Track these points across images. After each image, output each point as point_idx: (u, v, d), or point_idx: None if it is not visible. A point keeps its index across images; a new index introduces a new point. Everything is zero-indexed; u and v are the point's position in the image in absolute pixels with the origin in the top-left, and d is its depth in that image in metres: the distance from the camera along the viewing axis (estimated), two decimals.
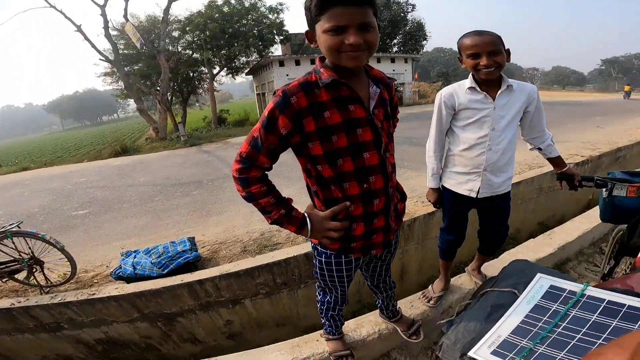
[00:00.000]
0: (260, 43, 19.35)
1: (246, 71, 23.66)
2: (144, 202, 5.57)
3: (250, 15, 19.34)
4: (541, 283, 0.79)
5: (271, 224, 1.04)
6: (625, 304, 0.67)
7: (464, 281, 2.06)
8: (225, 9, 19.02)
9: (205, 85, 22.47)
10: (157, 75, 17.81)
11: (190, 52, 20.55)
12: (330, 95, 0.98)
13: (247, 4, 19.19)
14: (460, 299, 1.93)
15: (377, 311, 1.78)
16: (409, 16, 26.69)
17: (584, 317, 0.68)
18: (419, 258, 3.20)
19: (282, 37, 20.47)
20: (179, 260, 2.96)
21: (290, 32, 20.83)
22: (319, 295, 1.40)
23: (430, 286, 1.99)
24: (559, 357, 0.61)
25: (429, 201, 1.77)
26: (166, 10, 15.63)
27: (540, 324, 0.70)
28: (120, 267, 2.97)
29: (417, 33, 26.62)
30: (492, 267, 2.12)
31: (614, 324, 0.64)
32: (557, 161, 1.68)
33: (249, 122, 21.79)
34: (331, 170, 1.02)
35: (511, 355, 0.64)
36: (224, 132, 14.97)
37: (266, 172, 1.02)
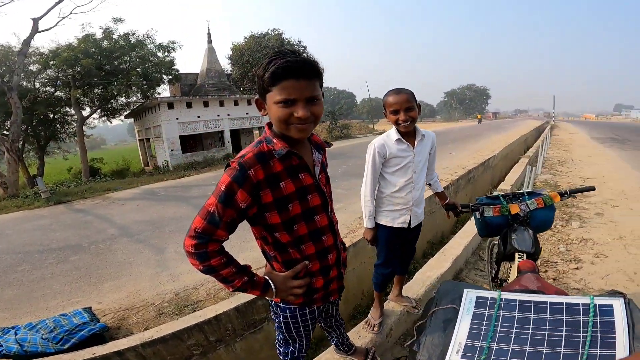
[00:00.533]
0: (145, 82, 17.65)
1: (126, 113, 21.36)
2: (3, 273, 4.50)
3: (134, 52, 17.67)
4: (470, 296, 1.02)
5: (233, 291, 1.06)
6: (532, 300, 0.94)
7: (393, 306, 2.32)
8: (105, 43, 16.97)
9: (70, 129, 19.18)
10: (4, 116, 14.66)
11: (52, 89, 17.48)
12: (283, 165, 1.03)
13: (133, 40, 17.50)
14: (396, 320, 2.20)
15: (332, 347, 1.85)
16: None
17: (510, 315, 0.91)
18: (344, 291, 3.41)
19: (170, 77, 19.12)
20: (82, 333, 2.60)
21: (182, 71, 19.73)
22: (281, 347, 1.40)
23: (369, 315, 2.21)
24: (509, 348, 0.81)
25: (366, 239, 2.02)
26: (26, 42, 13.13)
27: (484, 327, 0.89)
28: (1, 346, 2.52)
29: None
30: (411, 290, 2.46)
31: (531, 316, 0.89)
32: (441, 195, 2.18)
33: (131, 173, 19.33)
34: (289, 236, 1.08)
35: (477, 355, 0.81)
36: (101, 186, 12.52)
37: (222, 245, 1.02)
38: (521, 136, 16.38)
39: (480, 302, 1.00)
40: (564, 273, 3.10)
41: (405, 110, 1.75)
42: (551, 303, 0.94)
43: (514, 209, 1.88)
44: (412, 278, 2.68)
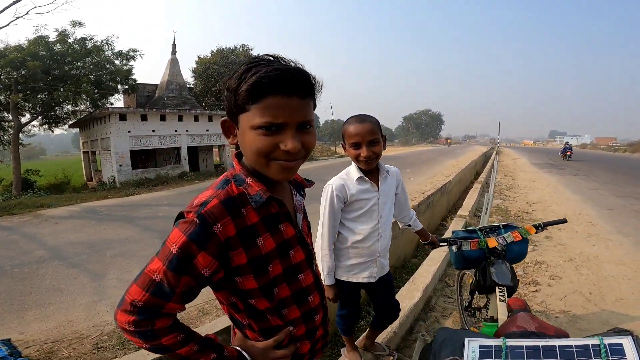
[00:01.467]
0: (96, 91, 16.42)
1: (71, 122, 19.68)
2: None
3: (89, 58, 16.44)
4: (472, 345, 0.90)
5: None
6: (540, 345, 0.85)
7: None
8: (58, 47, 15.67)
9: (5, 137, 17.23)
10: None
11: None
12: (259, 215, 0.77)
13: (89, 45, 16.30)
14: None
15: None
16: None
17: None
18: None
19: (127, 87, 17.99)
20: None
21: (141, 82, 18.70)
22: None
23: None
24: None
25: (328, 298, 1.65)
26: None
27: None
28: None
29: None
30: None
31: None
32: (422, 232, 1.94)
33: (70, 187, 17.58)
34: (268, 302, 0.83)
35: None
36: (34, 201, 11.06)
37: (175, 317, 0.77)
38: (472, 161, 17.49)
39: (484, 352, 0.88)
40: (525, 296, 3.16)
41: (368, 145, 1.46)
42: (560, 347, 0.85)
43: (492, 242, 1.87)
44: None
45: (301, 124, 0.72)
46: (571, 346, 0.83)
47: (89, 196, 12.34)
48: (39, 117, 17.22)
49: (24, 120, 16.68)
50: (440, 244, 2.01)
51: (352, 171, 1.58)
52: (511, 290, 1.68)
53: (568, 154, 22.66)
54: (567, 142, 28.75)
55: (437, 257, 3.53)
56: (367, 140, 1.45)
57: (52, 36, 15.91)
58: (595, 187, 9.79)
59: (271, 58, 0.73)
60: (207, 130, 19.56)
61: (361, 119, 1.49)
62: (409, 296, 2.71)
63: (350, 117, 1.53)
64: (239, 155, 0.83)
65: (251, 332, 0.88)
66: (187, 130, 18.51)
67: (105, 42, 17.14)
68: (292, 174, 0.78)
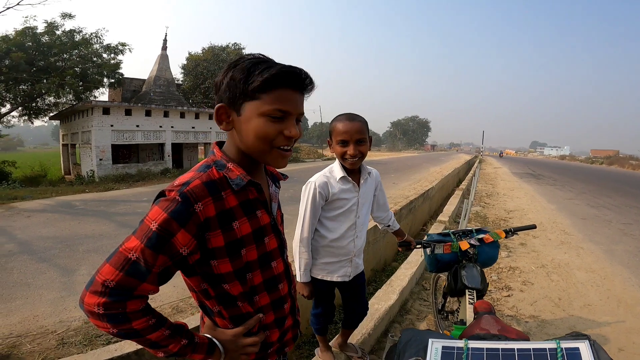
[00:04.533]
0: (80, 83, 16.11)
1: (52, 114, 19.08)
2: None
3: (76, 51, 16.16)
4: (435, 346, 0.91)
5: (166, 356, 0.79)
6: (499, 348, 0.86)
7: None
8: (45, 38, 15.32)
9: None
10: None
11: None
12: (238, 199, 0.81)
13: (77, 38, 16.05)
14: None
15: None
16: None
17: None
18: None
19: (113, 81, 17.69)
20: None
21: (128, 76, 18.45)
22: None
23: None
24: None
25: (303, 295, 1.66)
26: None
27: None
28: None
29: None
30: (360, 325, 2.33)
31: None
32: (399, 232, 1.96)
33: (46, 180, 16.94)
34: (241, 287, 0.85)
35: None
36: (6, 193, 10.57)
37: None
38: (455, 169, 17.83)
39: (446, 353, 0.89)
40: (498, 301, 3.23)
41: (355, 143, 1.47)
42: (519, 350, 0.87)
43: (464, 245, 1.92)
44: None
45: (299, 115, 0.82)
46: (529, 349, 0.85)
47: (65, 190, 11.93)
48: (19, 108, 16.76)
49: (3, 110, 16.25)
50: (417, 246, 2.03)
51: (336, 169, 1.57)
52: (480, 293, 1.71)
53: (502, 155, 41.84)
54: (501, 151, 54.20)
55: (414, 260, 3.57)
56: (355, 139, 1.46)
57: (41, 27, 15.68)
58: (571, 197, 10.13)
59: (264, 57, 0.81)
60: (193, 128, 19.27)
61: (351, 117, 1.50)
62: (385, 298, 2.73)
63: (340, 115, 1.53)
64: (220, 144, 0.88)
65: (221, 320, 0.88)
66: (172, 127, 18.20)
67: (94, 35, 16.94)
68: (286, 161, 0.85)
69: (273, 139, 0.79)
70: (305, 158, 29.08)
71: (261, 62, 0.77)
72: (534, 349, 0.84)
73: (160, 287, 0.76)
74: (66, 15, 16.10)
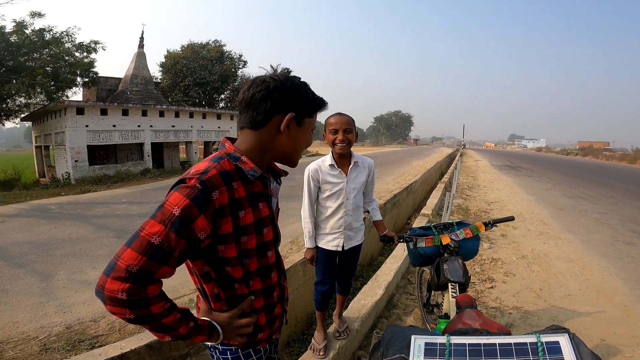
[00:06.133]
0: (52, 83, 15.44)
1: (23, 116, 18.25)
2: None
3: (47, 50, 15.50)
4: (418, 343, 0.90)
5: (171, 340, 0.85)
6: (481, 343, 0.86)
7: (336, 327, 2.27)
8: (14, 38, 14.63)
9: None
10: None
11: None
12: (245, 190, 0.89)
13: (48, 37, 15.37)
14: (341, 345, 2.19)
15: None
16: (239, 72, 27.08)
17: None
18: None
19: (87, 80, 17.09)
20: None
21: (103, 75, 17.86)
22: None
23: (313, 339, 2.17)
24: None
25: (307, 259, 2.07)
26: None
27: None
28: None
29: None
30: (347, 319, 2.36)
31: None
32: (379, 224, 2.16)
33: (20, 184, 16.23)
34: (242, 270, 0.93)
35: None
36: None
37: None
38: (437, 162, 18.12)
39: (429, 350, 0.89)
40: (482, 292, 3.29)
41: (344, 131, 1.83)
42: (500, 344, 0.87)
43: (445, 239, 1.96)
44: (349, 306, 2.58)
45: None
46: (510, 344, 0.85)
47: (40, 193, 11.45)
48: None
49: None
50: (399, 240, 2.08)
51: (327, 159, 1.94)
52: (463, 286, 1.73)
53: (463, 145, 46.09)
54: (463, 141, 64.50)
55: (400, 254, 3.60)
56: (344, 128, 1.83)
57: (10, 27, 14.94)
58: (548, 188, 10.47)
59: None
60: (173, 126, 18.80)
61: (340, 114, 1.88)
62: (371, 293, 2.74)
63: (333, 113, 1.88)
64: (232, 140, 0.97)
65: (217, 302, 0.95)
66: (151, 126, 17.67)
67: (65, 33, 16.26)
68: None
69: (306, 147, 1.00)
70: None
71: (308, 86, 0.96)
72: (515, 344, 0.85)
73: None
74: (36, 14, 15.43)
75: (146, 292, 0.73)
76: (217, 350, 1.02)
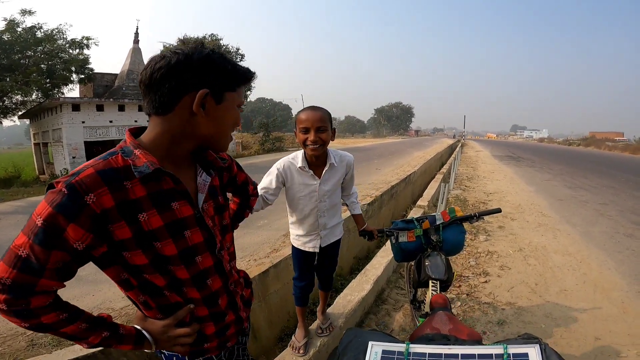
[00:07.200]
0: (47, 80, 15.47)
1: (20, 113, 18.22)
2: None
3: (41, 47, 15.52)
4: (375, 350, 0.82)
5: (90, 347, 0.79)
6: (442, 354, 0.78)
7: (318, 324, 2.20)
8: (7, 36, 14.73)
9: None
10: None
11: None
12: (146, 189, 0.75)
13: (40, 35, 15.41)
14: (323, 342, 2.10)
15: None
16: None
17: None
18: (266, 314, 3.14)
19: (83, 76, 17.08)
20: None
21: (99, 71, 17.95)
22: None
23: (293, 337, 2.07)
24: None
25: None
26: None
27: None
28: None
29: None
30: (331, 316, 2.32)
31: None
32: (358, 218, 2.03)
33: (19, 181, 16.20)
34: (163, 279, 0.81)
35: None
36: None
37: (57, 295, 0.74)
38: (437, 153, 17.96)
39: (386, 358, 0.81)
40: (475, 287, 3.20)
41: (316, 130, 1.56)
42: (462, 356, 0.79)
43: (425, 225, 1.87)
44: (334, 303, 2.50)
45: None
46: (474, 355, 0.77)
47: (38, 190, 11.48)
48: None
49: None
50: (378, 234, 1.99)
51: (299, 159, 1.68)
52: (445, 283, 1.63)
53: (464, 135, 44.98)
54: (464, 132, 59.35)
55: (390, 248, 3.51)
56: (316, 127, 1.56)
57: (1, 25, 15.04)
58: (549, 179, 10.32)
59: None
60: None
61: (313, 108, 1.61)
62: (358, 289, 2.65)
63: (304, 107, 1.66)
64: (133, 131, 0.85)
65: (148, 310, 0.86)
66: (148, 120, 17.65)
67: (57, 30, 16.25)
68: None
69: (235, 127, 0.88)
70: (289, 147, 28.59)
71: (224, 56, 0.83)
72: (479, 355, 0.76)
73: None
74: (26, 12, 15.50)
75: (28, 304, 0.68)
76: (163, 355, 0.94)
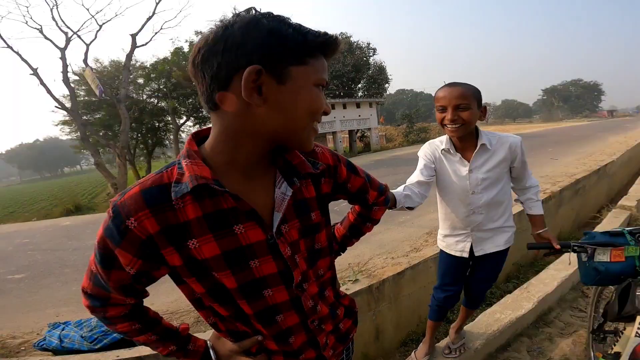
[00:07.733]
0: None
1: None
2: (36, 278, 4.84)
3: None
4: None
5: (163, 355, 0.81)
6: None
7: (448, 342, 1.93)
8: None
9: (172, 136, 22.04)
10: (119, 125, 17.21)
11: (156, 100, 20.28)
12: (201, 209, 0.60)
13: None
14: None
15: None
16: (371, 60, 26.91)
17: None
18: (394, 316, 2.97)
19: None
20: (114, 335, 2.54)
21: None
22: None
23: (413, 353, 1.90)
24: None
25: None
26: (128, 57, 15.62)
27: None
28: (45, 339, 2.62)
29: (379, 76, 26.79)
30: (469, 334, 1.99)
31: None
32: (536, 220, 1.57)
33: None
34: (225, 310, 0.70)
35: None
36: None
37: (136, 304, 0.73)
38: None
39: None
40: None
41: (455, 108, 1.35)
42: None
43: None
44: (475, 320, 2.11)
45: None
46: None
47: None
48: (191, 118, 21.22)
49: (180, 122, 20.83)
50: (563, 249, 1.45)
51: (444, 141, 1.51)
52: None
53: None
54: None
55: (574, 259, 2.69)
56: (454, 104, 1.36)
57: (185, 47, 19.15)
58: None
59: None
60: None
61: (451, 84, 1.42)
62: (513, 306, 2.14)
63: (444, 84, 1.47)
64: (195, 136, 0.69)
65: (219, 332, 0.80)
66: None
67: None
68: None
69: (317, 114, 0.63)
70: (435, 137, 26.83)
71: (283, 18, 0.59)
72: None
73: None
74: (198, 33, 18.84)
75: (105, 312, 0.71)
76: None
